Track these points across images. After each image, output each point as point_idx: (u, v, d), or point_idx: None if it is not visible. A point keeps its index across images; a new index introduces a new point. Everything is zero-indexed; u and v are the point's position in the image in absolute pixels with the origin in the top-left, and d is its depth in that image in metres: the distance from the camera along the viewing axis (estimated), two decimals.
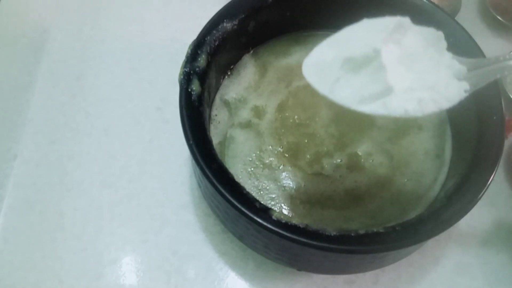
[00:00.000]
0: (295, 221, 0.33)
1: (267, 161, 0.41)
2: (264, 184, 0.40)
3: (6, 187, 0.48)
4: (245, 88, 0.45)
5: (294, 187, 0.40)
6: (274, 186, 0.40)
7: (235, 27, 0.41)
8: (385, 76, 0.28)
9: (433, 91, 0.29)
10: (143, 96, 0.53)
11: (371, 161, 0.41)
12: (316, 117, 0.43)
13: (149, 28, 0.58)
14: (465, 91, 0.30)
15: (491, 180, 0.35)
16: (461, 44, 0.40)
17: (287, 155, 0.41)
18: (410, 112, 0.28)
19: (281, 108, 0.44)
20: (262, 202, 0.34)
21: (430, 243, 0.44)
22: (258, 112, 0.44)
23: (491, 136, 0.37)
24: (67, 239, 0.45)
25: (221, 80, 0.45)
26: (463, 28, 0.41)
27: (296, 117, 0.43)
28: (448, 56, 0.30)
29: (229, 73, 0.45)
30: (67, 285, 0.44)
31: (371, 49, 0.28)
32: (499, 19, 0.57)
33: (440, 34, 0.30)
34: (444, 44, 0.30)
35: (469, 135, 0.38)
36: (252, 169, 0.41)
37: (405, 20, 0.30)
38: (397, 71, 0.28)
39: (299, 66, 0.45)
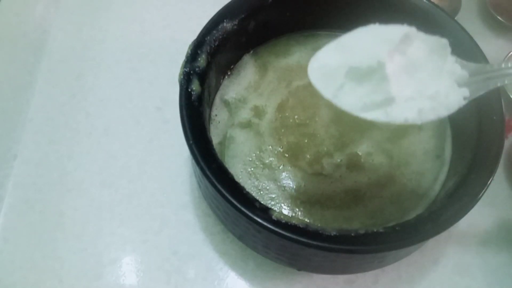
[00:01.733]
0: (295, 221, 0.33)
1: (267, 161, 0.41)
2: (264, 184, 0.40)
3: (6, 187, 0.48)
4: (245, 88, 0.45)
5: (294, 187, 0.40)
6: (274, 186, 0.40)
7: (235, 27, 0.41)
8: (388, 87, 0.29)
9: (433, 100, 0.30)
10: (143, 96, 0.53)
11: (371, 161, 0.41)
12: (316, 117, 0.43)
13: (149, 28, 0.58)
14: (465, 98, 0.31)
15: (491, 180, 0.35)
16: (461, 45, 0.40)
17: (287, 155, 0.41)
18: (410, 120, 0.29)
19: (281, 108, 0.44)
20: (262, 202, 0.34)
21: (430, 243, 0.44)
22: (258, 112, 0.44)
23: (491, 136, 0.37)
24: (67, 239, 0.45)
25: (221, 80, 0.45)
26: (463, 28, 0.41)
27: (296, 117, 0.43)
28: (451, 61, 0.31)
29: (229, 73, 0.45)
30: (67, 285, 0.44)
31: (376, 61, 0.29)
32: (499, 19, 0.57)
33: (444, 41, 0.31)
34: (448, 50, 0.31)
35: (469, 135, 0.38)
36: (252, 169, 0.41)
37: (411, 30, 0.30)
38: (400, 81, 0.29)
39: (299, 66, 0.46)
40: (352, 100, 0.30)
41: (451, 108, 0.30)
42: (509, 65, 0.31)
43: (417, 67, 0.30)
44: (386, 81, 0.29)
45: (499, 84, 0.31)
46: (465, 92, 0.31)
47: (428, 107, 0.30)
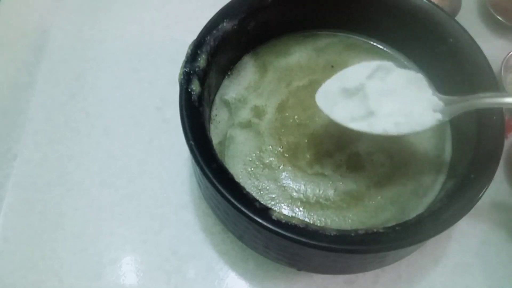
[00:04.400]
0: (295, 221, 0.33)
1: (267, 161, 0.41)
2: (264, 184, 0.40)
3: (6, 187, 0.48)
4: (245, 88, 0.45)
5: (294, 187, 0.40)
6: (274, 186, 0.40)
7: (235, 27, 0.41)
8: (368, 103, 0.37)
9: (408, 117, 0.36)
10: (143, 96, 0.53)
11: (371, 161, 0.41)
12: (316, 117, 0.43)
13: (149, 28, 0.58)
14: (438, 120, 0.36)
15: (491, 180, 0.35)
16: (461, 45, 0.40)
17: (287, 155, 0.41)
18: (389, 132, 0.36)
19: (281, 108, 0.44)
20: (262, 202, 0.34)
21: (430, 243, 0.44)
22: (258, 112, 0.44)
23: (491, 136, 0.37)
24: (67, 239, 0.45)
25: (221, 80, 0.45)
26: (463, 28, 0.41)
27: (296, 117, 0.43)
28: (428, 93, 0.37)
29: (229, 73, 0.45)
30: (67, 285, 0.44)
31: (359, 83, 0.37)
32: (499, 19, 0.57)
33: (420, 76, 0.38)
34: (425, 83, 0.37)
35: (469, 135, 0.38)
36: (252, 169, 0.41)
37: (388, 64, 0.38)
38: (380, 100, 0.37)
39: (299, 66, 0.46)
40: (343, 114, 0.38)
41: (424, 125, 0.36)
42: (480, 95, 0.35)
43: (395, 92, 0.37)
44: (367, 98, 0.37)
45: (472, 109, 0.36)
46: (438, 116, 0.36)
47: (403, 122, 0.36)
